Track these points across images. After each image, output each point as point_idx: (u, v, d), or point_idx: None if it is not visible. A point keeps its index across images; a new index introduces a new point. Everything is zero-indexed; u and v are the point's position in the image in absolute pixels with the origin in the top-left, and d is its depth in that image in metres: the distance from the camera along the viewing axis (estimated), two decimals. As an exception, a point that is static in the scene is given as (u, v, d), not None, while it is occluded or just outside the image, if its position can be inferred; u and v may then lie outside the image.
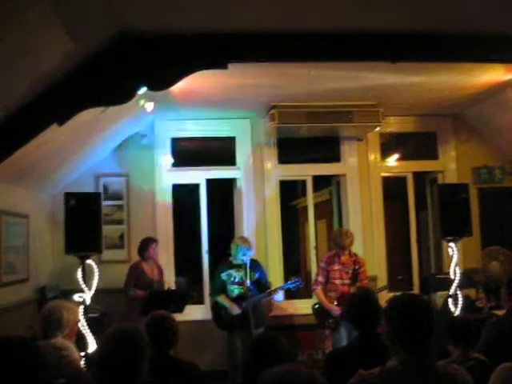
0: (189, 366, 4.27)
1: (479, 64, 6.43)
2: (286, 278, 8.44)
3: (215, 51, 5.33)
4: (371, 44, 5.50)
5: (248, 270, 7.36)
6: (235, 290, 7.48)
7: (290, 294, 9.07)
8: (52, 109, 5.32)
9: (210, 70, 5.51)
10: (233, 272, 7.51)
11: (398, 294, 3.11)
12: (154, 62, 5.31)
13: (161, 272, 7.98)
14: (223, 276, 7.54)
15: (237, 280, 7.48)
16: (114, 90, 5.37)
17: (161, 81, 5.46)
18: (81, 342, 5.50)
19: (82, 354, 5.40)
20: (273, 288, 7.63)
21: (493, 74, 6.98)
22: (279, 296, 7.68)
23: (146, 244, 7.81)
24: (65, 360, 4.35)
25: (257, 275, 7.53)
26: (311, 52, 5.50)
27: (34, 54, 4.73)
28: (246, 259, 7.39)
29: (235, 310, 7.37)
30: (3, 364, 2.84)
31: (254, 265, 7.57)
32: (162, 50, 5.27)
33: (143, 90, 5.62)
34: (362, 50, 5.55)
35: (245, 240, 7.69)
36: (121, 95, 5.42)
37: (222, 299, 7.49)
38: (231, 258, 7.60)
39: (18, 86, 5.04)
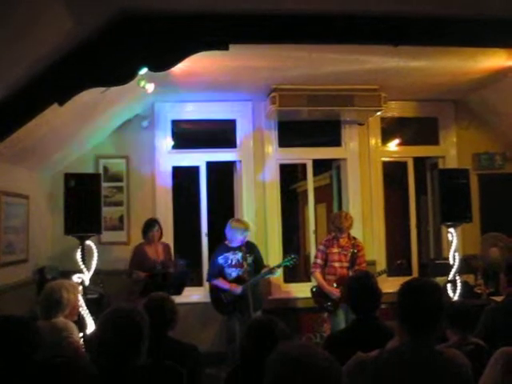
0: (188, 347, 4.28)
1: (482, 49, 6.40)
2: (286, 262, 8.44)
3: (216, 32, 5.29)
4: (373, 27, 5.46)
5: (245, 252, 7.36)
6: (233, 273, 7.47)
7: (289, 277, 9.10)
8: (52, 89, 5.31)
9: (211, 51, 5.49)
10: (229, 255, 7.50)
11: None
12: (154, 42, 5.29)
13: (167, 250, 7.93)
14: (220, 260, 7.54)
15: (234, 263, 7.48)
16: (114, 71, 5.35)
17: (162, 61, 5.44)
18: (80, 323, 5.51)
19: (81, 334, 5.42)
20: (270, 267, 7.64)
21: (495, 60, 6.94)
22: (276, 272, 7.68)
23: (148, 226, 7.79)
24: (65, 341, 4.38)
25: (253, 257, 7.53)
26: (312, 34, 5.46)
27: (35, 34, 4.71)
28: (243, 240, 7.39)
29: (236, 289, 7.36)
30: (2, 344, 2.85)
31: (251, 247, 7.58)
32: (162, 31, 5.24)
33: (144, 70, 5.59)
34: (363, 33, 5.51)
35: (240, 221, 7.71)
36: (121, 76, 5.40)
37: (220, 282, 7.49)
38: (227, 242, 7.60)
39: (18, 66, 5.02)
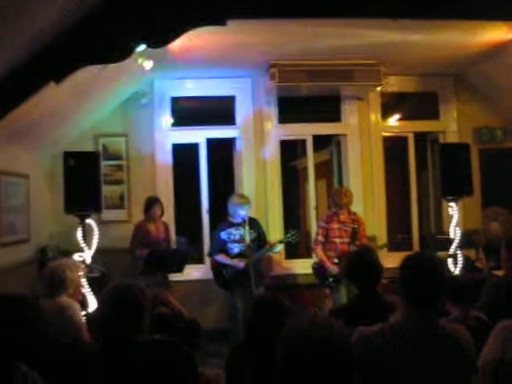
0: (190, 322, 4.30)
1: (482, 22, 6.36)
2: (287, 239, 8.44)
3: (214, 7, 5.26)
4: (372, 1, 5.42)
5: (247, 228, 7.36)
6: (235, 249, 7.47)
7: (290, 254, 9.11)
8: (49, 67, 5.28)
9: (208, 26, 5.45)
10: (232, 230, 7.50)
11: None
12: (152, 18, 5.25)
13: (167, 229, 7.95)
14: (223, 235, 7.54)
15: (237, 238, 7.48)
16: (111, 48, 5.32)
17: (159, 37, 5.40)
18: (82, 302, 5.52)
19: (83, 313, 5.44)
20: (272, 242, 7.65)
21: (495, 33, 6.90)
22: (277, 248, 7.68)
23: (150, 204, 7.77)
24: (70, 320, 4.40)
25: (256, 233, 7.53)
26: (311, 8, 5.43)
27: (31, 12, 4.66)
28: (245, 215, 7.38)
29: (239, 264, 7.37)
30: (4, 322, 2.85)
31: (253, 223, 7.58)
32: (160, 6, 5.21)
33: (141, 47, 5.56)
34: (362, 7, 5.47)
35: (241, 196, 7.71)
36: (119, 53, 5.37)
37: (222, 258, 7.50)
38: (229, 217, 7.60)
39: (14, 45, 4.98)
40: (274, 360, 2.37)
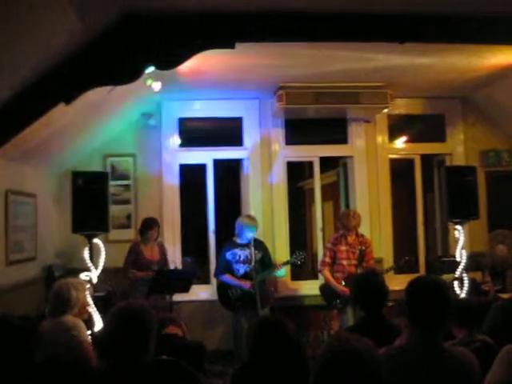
0: (194, 344, 4.29)
1: (488, 46, 6.38)
2: (293, 260, 8.43)
3: (223, 30, 5.31)
4: (379, 24, 5.46)
5: (253, 249, 7.36)
6: (241, 269, 7.47)
7: (296, 275, 9.10)
8: (59, 88, 5.32)
9: (217, 49, 5.50)
10: (237, 251, 7.50)
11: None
12: (161, 40, 5.30)
13: (163, 252, 7.88)
14: (228, 256, 7.53)
15: (242, 259, 7.48)
16: (121, 69, 5.36)
17: (168, 60, 5.44)
18: (88, 321, 5.52)
19: (89, 332, 5.44)
20: (278, 263, 7.65)
21: (502, 57, 6.93)
22: (282, 271, 7.65)
23: (148, 226, 7.72)
24: (75, 340, 4.40)
25: (261, 254, 7.53)
26: (319, 32, 5.47)
27: (42, 33, 4.72)
28: (252, 237, 7.39)
29: (245, 285, 7.37)
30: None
31: (258, 244, 7.57)
32: (169, 29, 5.25)
33: (150, 69, 5.61)
34: (370, 31, 5.51)
35: (250, 218, 7.69)
36: (128, 74, 5.41)
37: (228, 278, 7.49)
38: (235, 238, 7.60)
39: (25, 65, 5.03)
40: (277, 380, 2.38)
